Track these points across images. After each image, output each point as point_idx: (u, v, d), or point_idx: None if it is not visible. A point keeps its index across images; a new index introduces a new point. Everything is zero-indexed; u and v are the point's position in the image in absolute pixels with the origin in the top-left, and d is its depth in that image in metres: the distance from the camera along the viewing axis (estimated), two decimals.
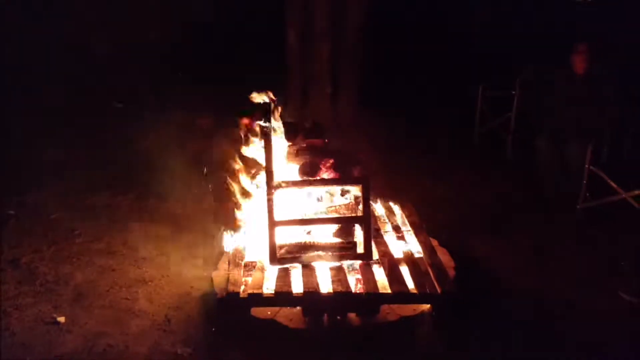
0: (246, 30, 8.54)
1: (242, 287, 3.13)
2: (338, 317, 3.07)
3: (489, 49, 8.30)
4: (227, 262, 3.46)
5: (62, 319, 3.13)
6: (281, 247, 3.37)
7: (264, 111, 3.33)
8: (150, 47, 7.61)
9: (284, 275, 3.23)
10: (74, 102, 7.13)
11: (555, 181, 4.87)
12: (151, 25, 7.58)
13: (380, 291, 3.10)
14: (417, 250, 3.57)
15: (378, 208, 4.11)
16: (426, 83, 8.00)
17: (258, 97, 3.51)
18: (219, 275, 3.43)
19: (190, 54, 8.04)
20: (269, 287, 3.15)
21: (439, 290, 3.06)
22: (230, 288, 3.06)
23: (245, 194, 3.69)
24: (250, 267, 3.36)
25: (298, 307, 3.08)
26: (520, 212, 4.82)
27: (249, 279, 3.23)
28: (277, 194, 3.32)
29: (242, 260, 3.41)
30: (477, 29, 9.02)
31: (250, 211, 3.74)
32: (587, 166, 4.43)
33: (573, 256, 4.03)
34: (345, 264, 3.36)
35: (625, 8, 8.61)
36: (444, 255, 3.62)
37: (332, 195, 3.65)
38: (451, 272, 3.39)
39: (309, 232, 3.46)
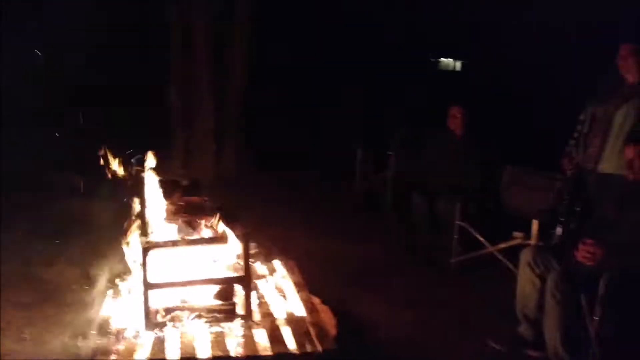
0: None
1: (113, 357, 2.91)
2: None
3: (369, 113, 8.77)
4: (97, 330, 3.23)
5: None
6: (157, 310, 3.22)
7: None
8: None
9: (160, 342, 3.06)
10: None
11: (429, 236, 5.12)
12: None
13: (261, 353, 3.01)
14: (299, 309, 3.54)
15: (259, 267, 4.06)
16: (310, 142, 8.22)
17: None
18: (88, 344, 3.18)
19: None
20: (142, 355, 2.96)
21: (320, 349, 3.03)
22: (98, 358, 2.84)
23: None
24: (122, 333, 3.15)
25: None
26: (398, 266, 5.00)
27: (121, 347, 3.02)
28: (152, 254, 3.19)
29: (113, 327, 3.20)
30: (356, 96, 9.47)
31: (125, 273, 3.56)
32: (456, 221, 4.71)
33: (446, 307, 4.20)
34: (226, 326, 3.26)
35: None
36: (325, 313, 3.62)
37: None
38: (332, 330, 3.39)
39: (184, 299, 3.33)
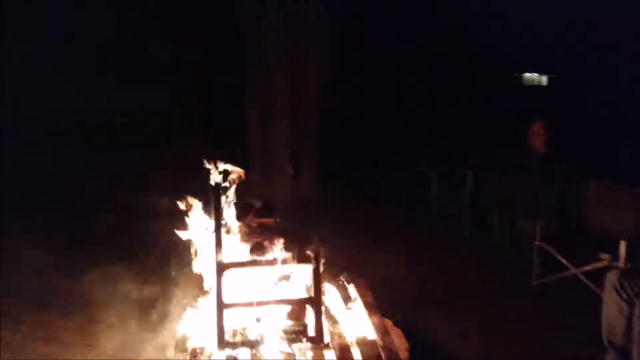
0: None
1: None
2: None
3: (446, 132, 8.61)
4: (174, 348, 3.34)
5: None
6: (230, 330, 3.29)
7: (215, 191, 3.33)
8: None
9: None
10: None
11: (509, 257, 4.94)
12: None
13: None
14: (370, 331, 3.51)
15: (331, 288, 4.06)
16: (385, 162, 8.19)
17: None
18: None
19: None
20: None
21: None
22: None
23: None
24: (197, 352, 3.24)
25: None
26: (477, 288, 4.85)
27: None
28: (226, 275, 3.27)
29: (189, 345, 3.30)
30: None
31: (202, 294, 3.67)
32: (536, 242, 4.51)
33: (527, 332, 4.04)
34: (296, 347, 3.28)
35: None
36: (397, 337, 3.56)
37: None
38: (404, 355, 3.33)
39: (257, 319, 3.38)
